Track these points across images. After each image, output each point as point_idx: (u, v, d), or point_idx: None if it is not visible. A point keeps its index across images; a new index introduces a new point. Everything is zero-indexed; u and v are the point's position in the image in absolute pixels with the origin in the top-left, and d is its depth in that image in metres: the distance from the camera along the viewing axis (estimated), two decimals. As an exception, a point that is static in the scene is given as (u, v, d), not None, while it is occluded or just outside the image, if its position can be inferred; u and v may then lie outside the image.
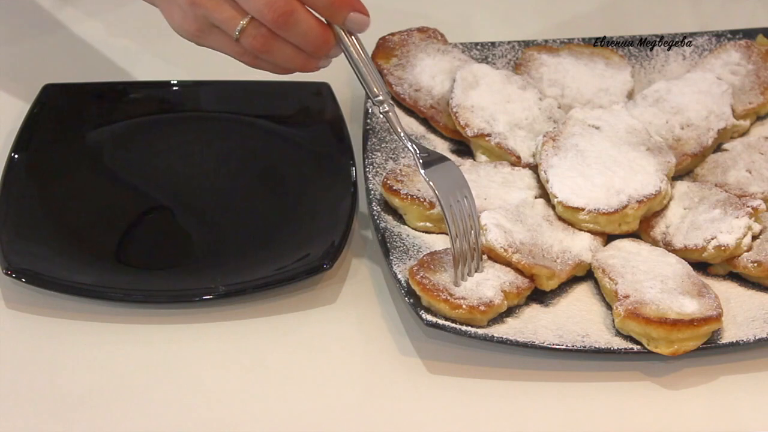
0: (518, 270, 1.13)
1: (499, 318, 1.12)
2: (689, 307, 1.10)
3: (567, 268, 1.15)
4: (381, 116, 1.16)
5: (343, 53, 1.14)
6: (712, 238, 1.15)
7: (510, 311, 1.13)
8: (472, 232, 1.13)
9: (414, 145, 1.14)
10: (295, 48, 1.12)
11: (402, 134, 1.15)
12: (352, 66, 1.14)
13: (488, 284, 1.12)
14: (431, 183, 1.12)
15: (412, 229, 1.20)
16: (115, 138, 1.29)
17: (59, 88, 1.32)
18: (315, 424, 1.08)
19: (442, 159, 1.15)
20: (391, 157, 1.25)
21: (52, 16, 1.47)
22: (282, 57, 1.13)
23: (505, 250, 1.13)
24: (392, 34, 1.35)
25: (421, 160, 1.14)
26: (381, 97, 1.14)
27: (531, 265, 1.13)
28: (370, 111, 1.28)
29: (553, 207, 1.19)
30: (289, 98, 1.32)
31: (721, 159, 1.26)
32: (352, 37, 1.13)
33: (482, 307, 1.10)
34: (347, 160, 1.25)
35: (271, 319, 1.15)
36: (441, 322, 1.10)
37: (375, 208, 1.20)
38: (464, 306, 1.10)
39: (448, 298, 1.10)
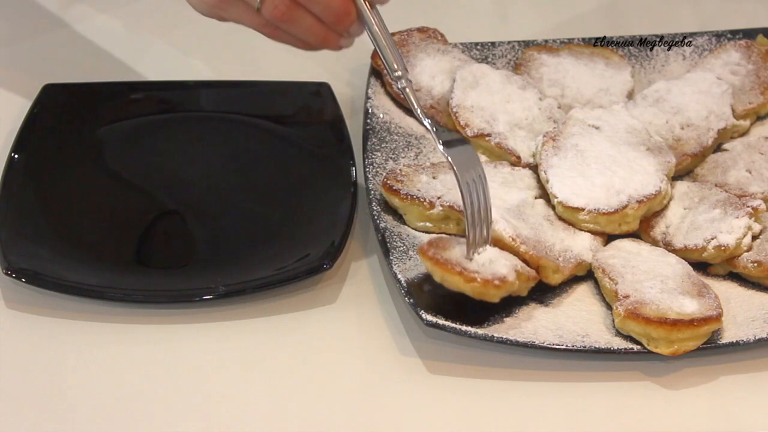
0: (525, 261, 1.13)
1: (499, 318, 1.12)
2: (689, 307, 1.10)
3: (569, 266, 1.15)
4: (399, 91, 1.16)
5: (365, 31, 1.13)
6: (712, 238, 1.15)
7: (510, 311, 1.13)
8: (483, 209, 1.12)
9: (430, 122, 1.14)
10: (317, 19, 1.12)
11: (419, 111, 1.14)
12: (372, 40, 1.13)
13: (501, 263, 1.11)
14: (448, 157, 1.11)
15: (412, 229, 1.20)
16: (114, 138, 1.29)
17: (59, 88, 1.32)
18: (315, 424, 1.08)
19: (461, 139, 1.14)
20: (391, 157, 1.25)
21: (53, 16, 1.47)
22: (303, 28, 1.12)
23: (514, 240, 1.13)
24: (392, 34, 1.34)
25: (437, 136, 1.13)
26: (399, 73, 1.14)
27: (538, 256, 1.13)
28: (370, 111, 1.28)
29: (553, 207, 1.19)
30: (289, 98, 1.32)
31: (721, 159, 1.26)
32: (374, 10, 1.13)
33: (497, 282, 1.09)
34: (347, 160, 1.25)
35: (271, 319, 1.15)
36: (441, 322, 1.10)
37: (375, 208, 1.20)
38: (479, 279, 1.08)
39: (463, 270, 1.09)
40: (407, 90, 1.14)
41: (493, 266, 1.10)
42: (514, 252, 1.13)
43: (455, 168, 1.11)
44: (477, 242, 1.11)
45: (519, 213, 1.17)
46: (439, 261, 1.09)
